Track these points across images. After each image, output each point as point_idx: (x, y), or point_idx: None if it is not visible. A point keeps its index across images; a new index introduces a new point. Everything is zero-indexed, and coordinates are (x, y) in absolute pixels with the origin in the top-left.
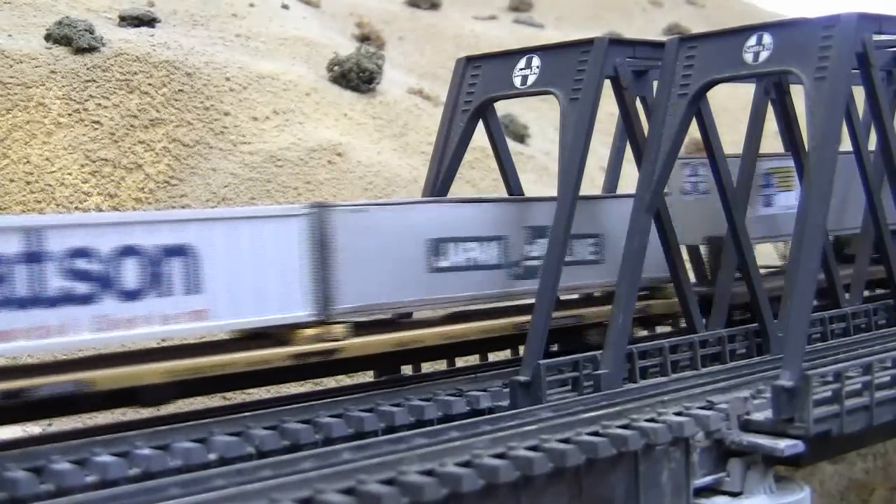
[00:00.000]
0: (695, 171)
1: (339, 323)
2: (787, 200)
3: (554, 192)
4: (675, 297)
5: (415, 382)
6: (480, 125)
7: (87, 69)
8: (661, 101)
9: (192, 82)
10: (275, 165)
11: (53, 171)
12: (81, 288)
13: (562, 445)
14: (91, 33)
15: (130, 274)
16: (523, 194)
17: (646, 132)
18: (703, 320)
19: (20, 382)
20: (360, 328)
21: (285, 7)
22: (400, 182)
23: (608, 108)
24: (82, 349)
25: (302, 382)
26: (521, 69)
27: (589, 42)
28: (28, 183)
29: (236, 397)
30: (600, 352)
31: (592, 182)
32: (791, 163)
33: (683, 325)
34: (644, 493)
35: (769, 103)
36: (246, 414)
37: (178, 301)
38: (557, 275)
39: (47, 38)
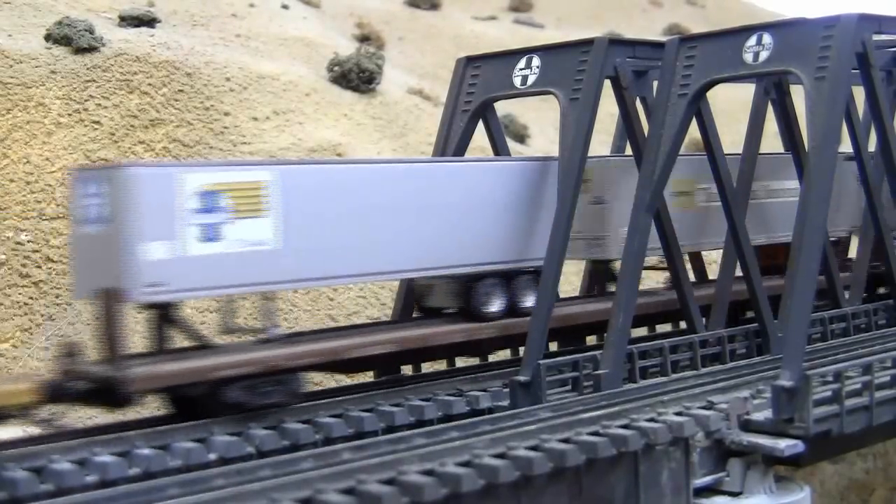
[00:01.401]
0: (96, 188)
1: None
2: (253, 232)
3: None
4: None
5: (415, 382)
6: (480, 125)
7: (87, 69)
8: (661, 101)
9: (192, 82)
10: None
11: (53, 171)
12: None
13: (562, 445)
14: (91, 33)
15: None
16: None
17: (646, 132)
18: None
19: None
20: None
21: (285, 7)
22: None
23: (608, 108)
24: None
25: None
26: (521, 69)
27: (589, 42)
28: (28, 183)
29: None
30: (600, 352)
31: None
32: (252, 174)
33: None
34: (644, 493)
35: (769, 103)
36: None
37: None
38: (557, 276)
39: (47, 38)
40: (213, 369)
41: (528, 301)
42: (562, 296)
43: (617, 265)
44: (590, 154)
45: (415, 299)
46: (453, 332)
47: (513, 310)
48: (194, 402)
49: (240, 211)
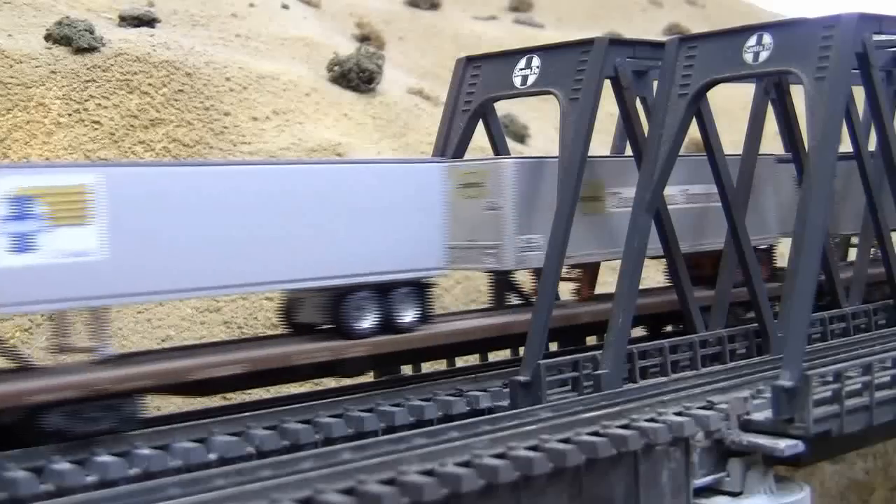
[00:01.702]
0: None
1: None
2: (74, 242)
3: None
4: None
5: (415, 382)
6: (480, 125)
7: (87, 69)
8: (661, 101)
9: (192, 82)
10: None
11: None
12: None
13: (562, 445)
14: (91, 33)
15: None
16: None
17: (646, 132)
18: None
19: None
20: None
21: (285, 7)
22: None
23: (608, 108)
24: None
25: (302, 382)
26: (521, 69)
27: (589, 42)
28: None
29: (236, 397)
30: (600, 352)
31: None
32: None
33: None
34: (644, 493)
35: (769, 103)
36: (246, 414)
37: None
38: (557, 275)
39: (47, 38)
40: (25, 394)
41: (407, 317)
42: (451, 310)
43: (523, 275)
44: (590, 154)
45: (284, 315)
46: (316, 351)
47: (389, 326)
48: (9, 431)
49: (58, 218)
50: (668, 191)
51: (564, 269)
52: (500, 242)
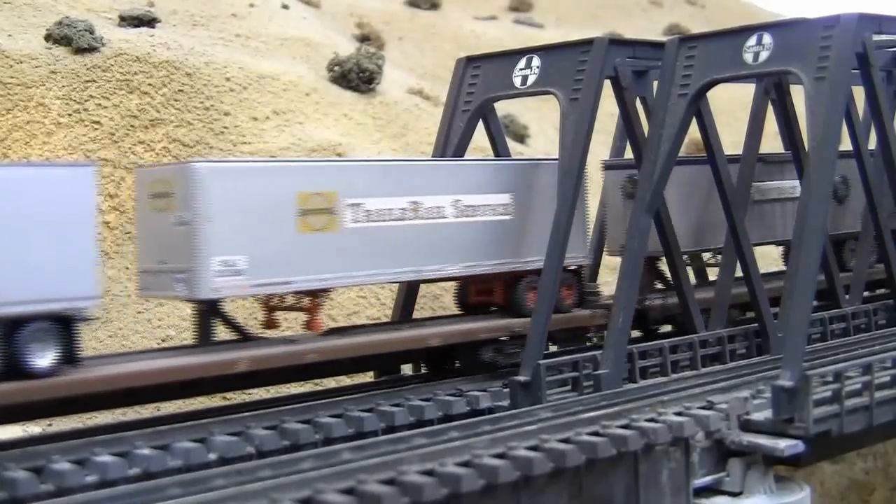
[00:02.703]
0: None
1: None
2: None
3: None
4: None
5: (415, 383)
6: (480, 125)
7: (87, 69)
8: (661, 101)
9: (192, 82)
10: None
11: None
12: None
13: (562, 445)
14: (91, 33)
15: None
16: None
17: (646, 132)
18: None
19: None
20: None
21: (285, 7)
22: None
23: (608, 108)
24: None
25: (302, 382)
26: (521, 69)
27: (589, 42)
28: None
29: (236, 397)
30: (600, 352)
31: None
32: None
33: None
34: (644, 493)
35: (769, 103)
36: (246, 414)
37: None
38: (557, 275)
39: (47, 38)
40: None
41: (43, 359)
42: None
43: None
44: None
45: None
46: None
47: (15, 370)
48: None
49: None
50: (437, 201)
51: (292, 298)
52: (190, 265)
